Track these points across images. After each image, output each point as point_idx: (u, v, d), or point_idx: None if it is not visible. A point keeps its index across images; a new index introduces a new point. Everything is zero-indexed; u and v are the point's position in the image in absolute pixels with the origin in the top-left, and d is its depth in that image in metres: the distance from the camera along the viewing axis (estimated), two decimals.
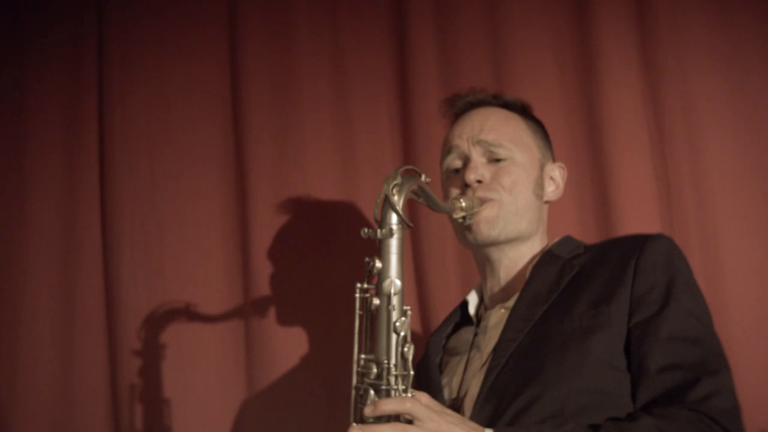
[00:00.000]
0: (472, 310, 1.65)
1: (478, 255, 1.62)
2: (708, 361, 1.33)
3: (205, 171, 2.15)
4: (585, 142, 2.00)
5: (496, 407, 1.35)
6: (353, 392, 1.30)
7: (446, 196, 1.61)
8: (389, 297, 1.28)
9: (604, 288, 1.42)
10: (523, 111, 1.66)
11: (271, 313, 2.08)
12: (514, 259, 1.59)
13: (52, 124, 2.19)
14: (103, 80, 2.16)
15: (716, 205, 1.91)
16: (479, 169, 1.55)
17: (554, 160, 1.67)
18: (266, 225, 2.10)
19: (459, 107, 1.67)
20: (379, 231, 1.29)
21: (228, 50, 2.16)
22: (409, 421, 1.21)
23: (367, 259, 1.30)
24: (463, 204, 1.50)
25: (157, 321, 2.08)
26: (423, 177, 1.36)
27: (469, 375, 1.50)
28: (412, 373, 1.27)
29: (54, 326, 2.13)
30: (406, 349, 1.27)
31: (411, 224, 1.30)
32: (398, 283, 1.28)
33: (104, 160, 2.15)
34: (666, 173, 1.95)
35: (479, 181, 1.55)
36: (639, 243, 1.45)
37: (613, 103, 1.96)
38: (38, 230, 2.16)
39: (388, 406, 1.21)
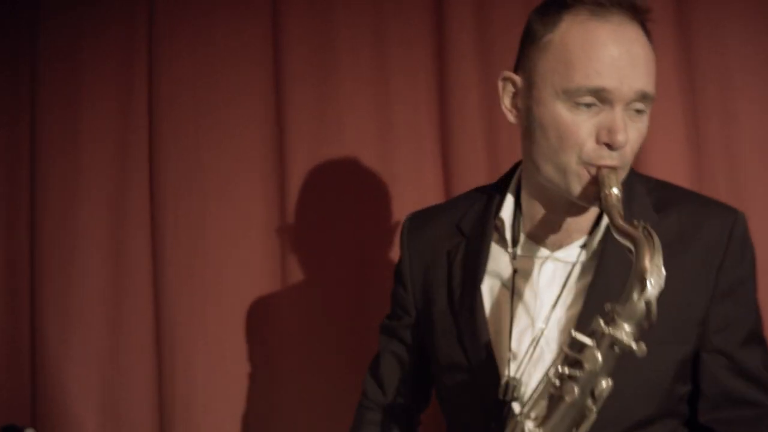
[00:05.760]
0: (508, 230, 1.41)
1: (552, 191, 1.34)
2: None
3: (247, 136, 2.23)
4: None
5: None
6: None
7: (549, 122, 1.27)
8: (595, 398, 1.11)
9: (681, 291, 1.28)
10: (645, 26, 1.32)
11: (307, 270, 2.16)
12: (592, 209, 1.35)
13: (105, 95, 2.30)
14: (152, 48, 2.26)
15: (747, 170, 1.90)
16: (626, 132, 1.24)
17: None
18: (304, 187, 2.16)
19: (595, 2, 1.25)
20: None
21: (270, 21, 2.23)
22: None
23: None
24: (614, 195, 1.21)
25: (199, 277, 2.21)
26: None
27: (515, 341, 1.36)
28: None
29: (103, 277, 2.26)
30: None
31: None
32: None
33: (153, 125, 2.25)
34: (697, 136, 1.94)
35: None
36: (722, 238, 1.31)
37: None
38: (89, 191, 2.28)
39: None
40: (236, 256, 2.20)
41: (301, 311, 2.17)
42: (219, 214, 2.22)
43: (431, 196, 2.10)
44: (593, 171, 1.24)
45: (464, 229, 1.47)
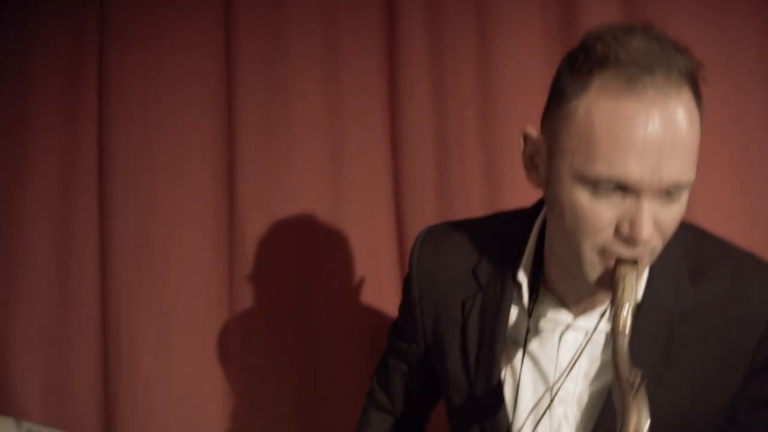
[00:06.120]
0: (525, 290, 1.29)
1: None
2: None
3: (197, 120, 2.21)
4: None
5: None
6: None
7: (565, 202, 1.12)
8: None
9: (713, 377, 1.21)
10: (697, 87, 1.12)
11: (255, 251, 2.16)
12: None
13: (54, 79, 2.27)
14: (104, 34, 2.23)
15: None
16: (651, 227, 1.08)
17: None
18: (252, 173, 2.16)
19: (629, 70, 1.05)
20: None
21: (222, 4, 2.21)
22: None
23: None
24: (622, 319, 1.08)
25: (146, 259, 2.20)
26: None
27: (523, 402, 1.29)
28: None
29: (50, 257, 2.24)
30: None
31: None
32: None
33: (102, 110, 2.23)
34: None
35: None
36: (762, 311, 1.20)
37: None
38: (38, 175, 2.26)
39: None
40: (184, 240, 2.19)
41: (247, 291, 2.16)
42: (167, 200, 2.20)
43: (380, 179, 2.12)
44: (611, 263, 1.11)
45: (480, 278, 1.34)
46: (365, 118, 2.13)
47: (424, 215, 2.05)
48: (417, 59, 2.07)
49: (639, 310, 1.20)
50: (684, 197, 1.10)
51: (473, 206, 2.00)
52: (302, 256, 2.15)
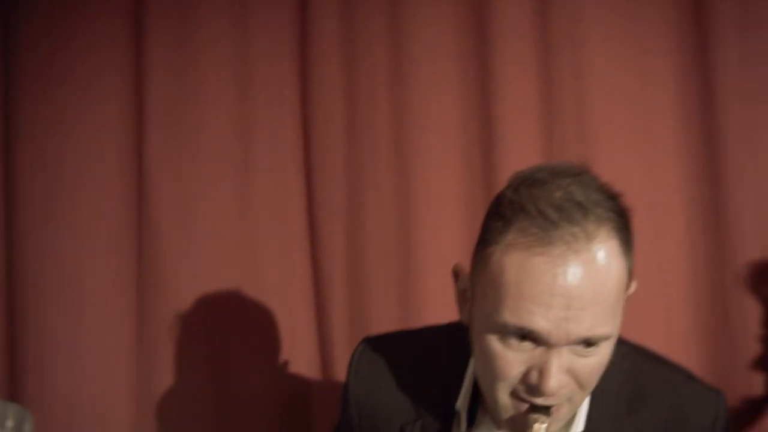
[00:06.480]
0: (463, 420, 1.26)
1: None
2: None
3: (107, 104, 2.15)
4: (472, 58, 2.02)
5: None
6: None
7: (481, 346, 1.12)
8: None
9: None
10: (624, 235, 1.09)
11: (163, 231, 2.13)
12: None
13: None
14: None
15: (596, 123, 1.96)
16: (561, 379, 1.07)
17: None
18: (161, 147, 2.12)
19: (541, 224, 1.04)
20: None
21: None
22: None
23: None
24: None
25: (52, 236, 2.13)
26: None
27: None
28: None
29: None
30: None
31: None
32: None
33: (8, 95, 2.15)
34: (550, 90, 1.98)
35: None
36: None
37: (501, 20, 1.98)
38: None
39: None
40: (92, 217, 2.13)
41: (154, 261, 2.13)
42: (74, 171, 2.14)
43: (289, 153, 2.11)
44: (524, 407, 1.10)
45: (419, 404, 1.30)
46: (276, 103, 2.12)
47: (333, 190, 2.07)
48: (329, 34, 2.07)
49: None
50: (604, 349, 1.08)
51: (382, 175, 2.04)
52: (211, 235, 2.12)
